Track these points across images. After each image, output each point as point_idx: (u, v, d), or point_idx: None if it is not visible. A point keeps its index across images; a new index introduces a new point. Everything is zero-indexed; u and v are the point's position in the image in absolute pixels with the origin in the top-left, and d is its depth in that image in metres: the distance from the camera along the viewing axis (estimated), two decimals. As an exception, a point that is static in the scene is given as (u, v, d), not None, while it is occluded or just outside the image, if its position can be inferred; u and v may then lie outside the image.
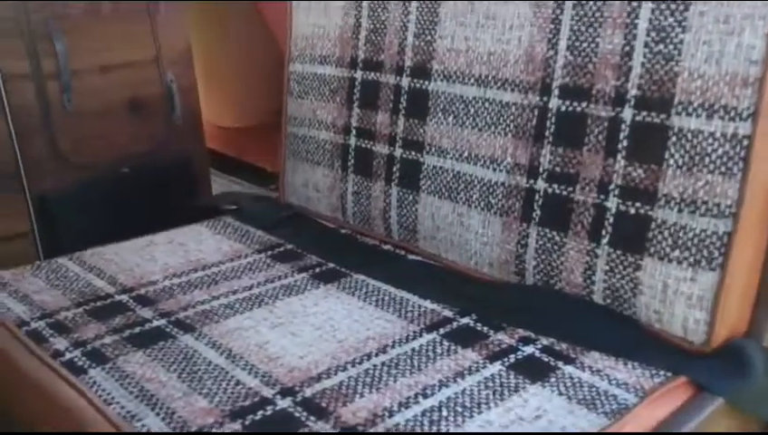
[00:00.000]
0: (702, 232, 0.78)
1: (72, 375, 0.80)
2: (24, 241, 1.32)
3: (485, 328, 0.88)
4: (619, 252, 0.84)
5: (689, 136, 0.78)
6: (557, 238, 0.89)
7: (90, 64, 1.37)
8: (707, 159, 0.77)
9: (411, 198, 1.06)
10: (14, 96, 1.26)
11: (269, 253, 1.10)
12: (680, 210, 0.79)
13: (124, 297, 0.97)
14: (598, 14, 0.85)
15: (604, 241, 0.85)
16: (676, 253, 0.79)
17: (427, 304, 0.94)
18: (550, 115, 0.90)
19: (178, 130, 1.50)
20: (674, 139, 0.79)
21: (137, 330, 0.89)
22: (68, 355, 0.84)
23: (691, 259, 0.78)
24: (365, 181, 1.12)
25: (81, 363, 0.82)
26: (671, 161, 0.79)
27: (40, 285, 1.01)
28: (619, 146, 0.83)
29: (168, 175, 1.47)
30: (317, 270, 1.04)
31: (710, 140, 0.77)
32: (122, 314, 0.92)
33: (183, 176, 1.51)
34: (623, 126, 0.83)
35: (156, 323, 0.90)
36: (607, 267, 0.85)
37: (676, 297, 0.80)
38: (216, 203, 1.31)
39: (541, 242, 0.91)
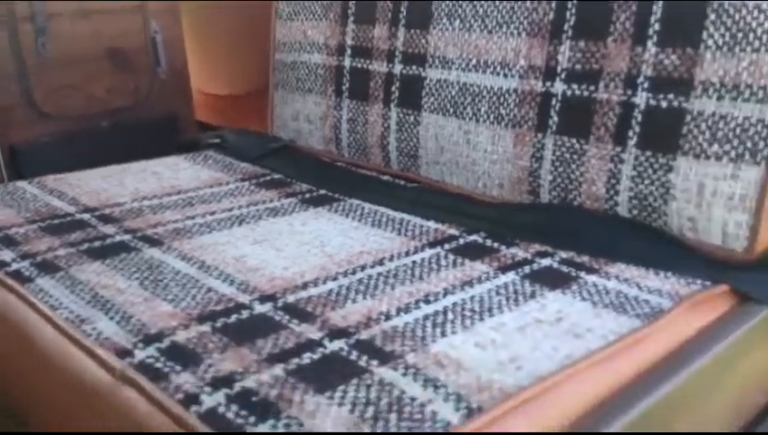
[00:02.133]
0: (745, 120, 0.69)
1: (17, 284, 0.71)
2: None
3: (496, 244, 0.79)
4: (648, 154, 0.75)
5: (731, 11, 0.70)
6: (577, 147, 0.81)
7: (67, 8, 1.29)
8: (752, 36, 0.68)
9: (412, 119, 0.97)
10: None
11: (254, 181, 1.01)
12: (720, 98, 0.70)
13: (86, 216, 0.88)
14: None
15: (631, 143, 0.76)
16: (715, 147, 0.70)
17: (430, 224, 0.85)
18: (570, 6, 0.81)
19: (163, 86, 1.42)
20: (713, 16, 0.70)
21: (96, 244, 0.80)
22: (14, 266, 0.75)
23: (732, 153, 0.70)
24: (361, 106, 1.03)
25: (27, 273, 0.73)
26: (710, 42, 0.71)
27: (-6, 205, 0.92)
28: (650, 30, 0.74)
29: (150, 133, 1.39)
30: (307, 196, 0.95)
31: (755, 13, 0.68)
32: (82, 230, 0.83)
33: (167, 134, 1.43)
34: (654, 7, 0.74)
35: (119, 238, 0.81)
36: (634, 173, 0.76)
37: (714, 199, 0.71)
38: (200, 139, 1.22)
39: (558, 153, 0.82)
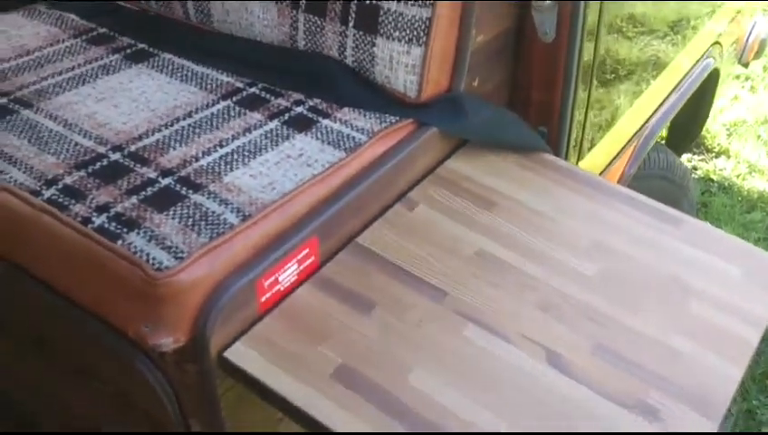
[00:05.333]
0: (413, 17, 1.14)
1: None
2: None
3: (269, 95, 1.22)
4: (361, 33, 1.19)
5: (406, -54, 1.11)
6: (319, 22, 1.22)
7: None
8: (418, -36, 1.11)
9: (203, -14, 1.33)
10: None
11: (84, 37, 1.35)
12: (398, 1, 1.14)
13: (-38, 82, 1.21)
14: None
15: (351, 24, 1.19)
16: (397, 33, 1.15)
17: (224, 78, 1.26)
18: None
19: None
20: (396, -53, 1.12)
21: (-16, 108, 1.15)
22: (-70, 131, 1.10)
23: (406, 38, 1.15)
24: (163, -29, 1.37)
25: (-58, 137, 1.09)
26: (394, -36, 1.13)
27: None
28: (359, -49, 1.15)
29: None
30: (128, 51, 1.32)
31: (419, -50, 1.11)
32: (-34, 96, 1.18)
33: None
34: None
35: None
36: (353, 44, 1.20)
37: (398, 66, 1.17)
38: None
39: (307, 25, 1.24)
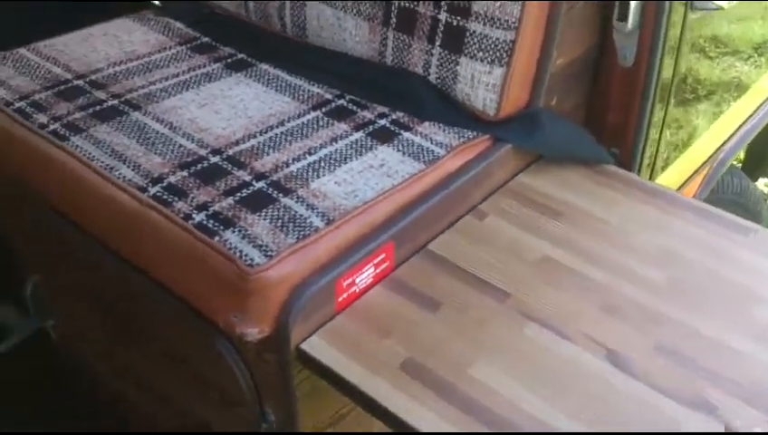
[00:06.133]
0: (497, 39, 1.20)
1: (59, 141, 1.20)
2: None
3: (355, 107, 1.31)
4: (446, 52, 1.26)
5: (493, -28, 1.18)
6: (407, 40, 1.30)
7: None
8: (503, -9, 1.18)
9: (300, 2, 1.43)
10: None
11: (188, 45, 1.47)
12: (484, 24, 1.21)
13: (80, 82, 1.34)
14: None
15: (437, 43, 1.27)
16: (480, 54, 1.22)
17: (315, 89, 1.35)
18: (402, -53, 1.27)
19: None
20: (483, -27, 1.19)
21: (98, 108, 1.27)
22: (51, 126, 1.23)
23: (489, 59, 1.22)
24: (263, -15, 1.48)
25: (63, 132, 1.21)
26: (480, -10, 1.20)
27: (10, 72, 1.36)
28: (448, -24, 1.23)
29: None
30: (229, 60, 1.43)
31: (505, -23, 1.17)
32: (83, 96, 1.30)
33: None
34: (451, -39, 1.22)
35: (110, 102, 1.29)
36: (438, 62, 1.28)
37: (479, 84, 1.24)
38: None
39: (396, 43, 1.32)
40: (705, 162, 1.61)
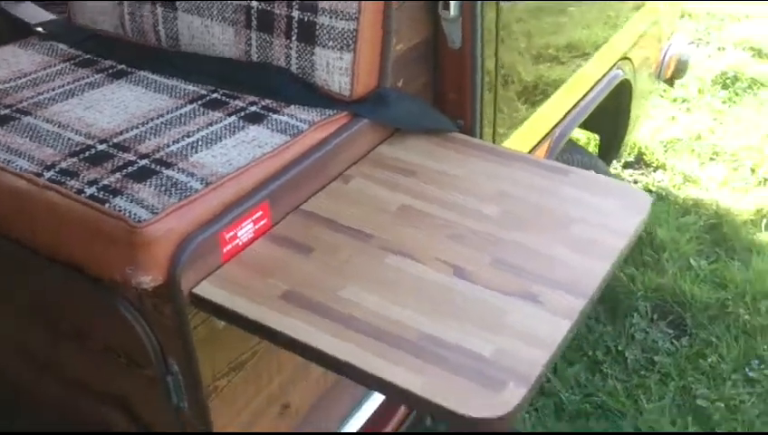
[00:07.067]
0: (342, 29, 1.41)
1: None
2: None
3: (228, 99, 1.48)
4: (302, 45, 1.46)
5: (334, -29, 1.39)
6: (268, 38, 1.49)
7: None
8: (344, -14, 1.39)
9: (172, 15, 1.60)
10: None
11: (72, 61, 1.62)
12: (330, 17, 1.41)
13: (-27, 98, 1.47)
14: None
15: (294, 38, 1.46)
16: (331, 42, 1.42)
17: (190, 87, 1.52)
18: (256, -43, 1.47)
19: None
20: (326, -27, 1.40)
21: (-8, 116, 1.41)
22: (-52, 134, 1.35)
23: (338, 46, 1.42)
24: (138, 4, 1.64)
25: (-40, 138, 1.34)
26: (325, -13, 1.41)
27: None
28: (297, -22, 1.43)
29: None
30: (110, 71, 1.58)
31: (344, -26, 1.39)
32: (-24, 108, 1.43)
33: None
34: (298, -35, 1.42)
35: (2, 112, 1.42)
36: (297, 55, 1.47)
37: (334, 70, 1.44)
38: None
39: (259, 42, 1.51)
40: (544, 137, 1.86)
